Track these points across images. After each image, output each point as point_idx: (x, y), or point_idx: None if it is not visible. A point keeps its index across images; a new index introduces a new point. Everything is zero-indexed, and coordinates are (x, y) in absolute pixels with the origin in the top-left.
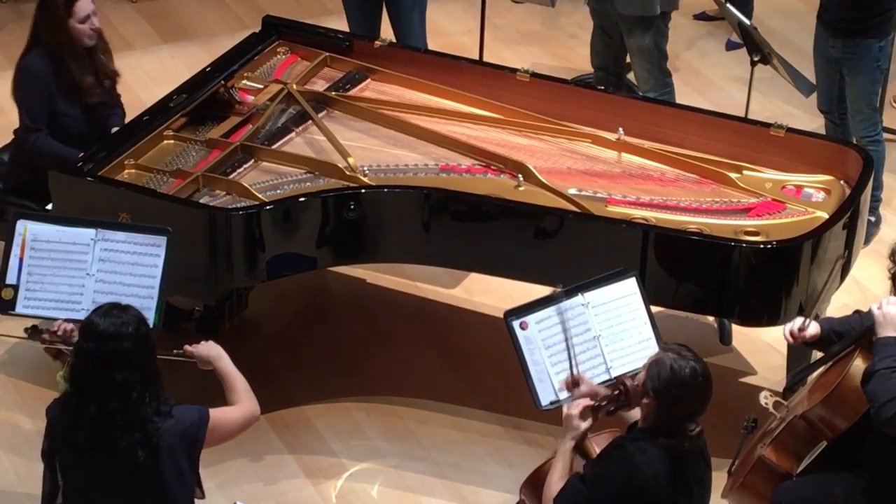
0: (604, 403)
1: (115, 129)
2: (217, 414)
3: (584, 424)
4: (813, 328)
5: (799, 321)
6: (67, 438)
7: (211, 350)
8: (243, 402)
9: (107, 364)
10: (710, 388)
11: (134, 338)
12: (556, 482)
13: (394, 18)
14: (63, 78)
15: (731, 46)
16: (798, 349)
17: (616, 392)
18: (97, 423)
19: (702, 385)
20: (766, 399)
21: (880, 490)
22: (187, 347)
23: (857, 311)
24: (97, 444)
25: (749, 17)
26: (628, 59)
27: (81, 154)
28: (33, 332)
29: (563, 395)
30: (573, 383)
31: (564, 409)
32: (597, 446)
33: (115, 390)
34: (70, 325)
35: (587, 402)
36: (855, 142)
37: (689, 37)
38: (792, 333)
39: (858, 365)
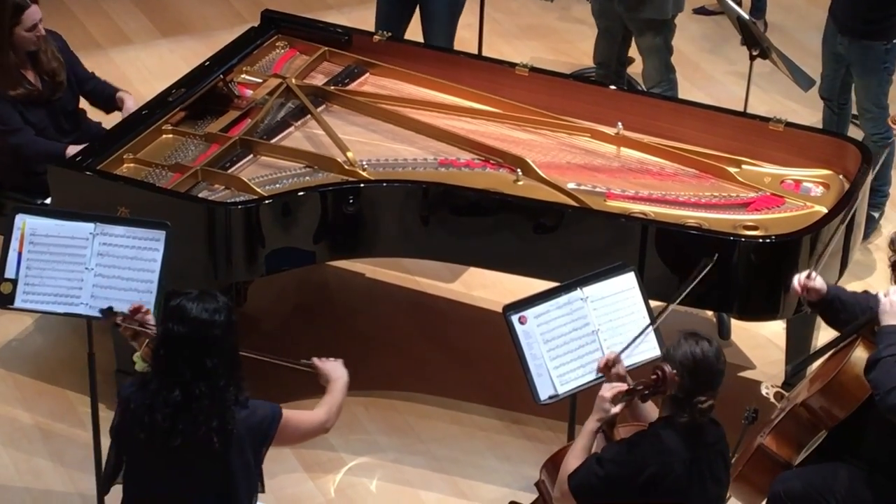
0: (639, 388)
1: (124, 107)
2: (289, 414)
3: (615, 408)
4: (819, 282)
5: (805, 272)
6: (143, 418)
7: (337, 371)
8: (322, 410)
9: (198, 349)
10: (720, 366)
11: (225, 325)
12: (574, 459)
13: (426, 23)
14: None
15: None
16: (796, 342)
17: (654, 377)
18: (181, 407)
19: (712, 359)
20: (767, 390)
21: (881, 480)
22: (316, 360)
23: (866, 291)
24: (175, 428)
25: (762, 13)
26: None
27: (70, 149)
28: (108, 313)
29: (562, 389)
30: (609, 364)
31: (602, 391)
32: (622, 436)
33: (203, 376)
34: (145, 307)
35: (622, 386)
36: (860, 137)
37: (689, 31)
38: (800, 283)
39: (859, 354)
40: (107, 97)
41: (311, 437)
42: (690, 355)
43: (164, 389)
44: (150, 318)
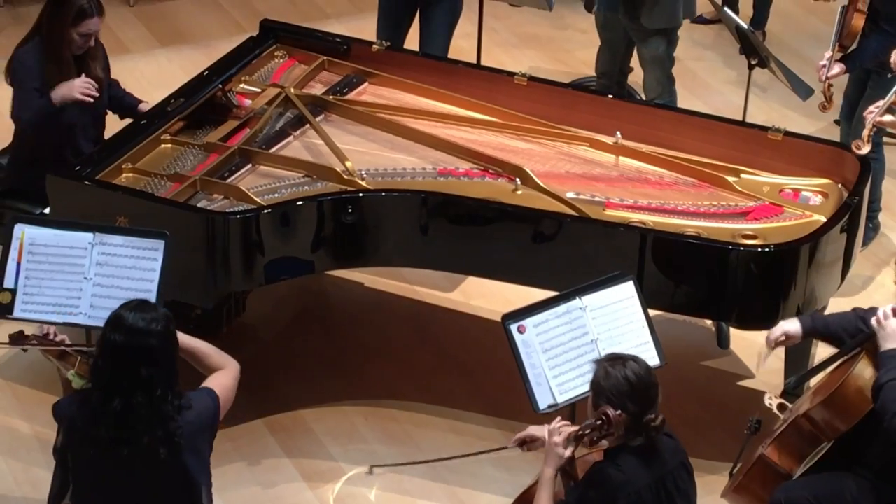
0: (587, 432)
1: (142, 106)
2: (219, 389)
3: (567, 453)
4: (793, 327)
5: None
6: (88, 433)
7: None
8: (225, 364)
9: (134, 358)
10: (653, 379)
11: (162, 336)
12: None
13: (425, 29)
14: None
15: None
16: (796, 352)
17: (599, 422)
18: (121, 417)
19: (644, 376)
20: (770, 401)
21: (887, 490)
22: None
23: (854, 309)
24: (120, 438)
25: (762, 25)
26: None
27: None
28: (18, 338)
29: (562, 398)
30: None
31: (547, 437)
32: (580, 468)
33: (140, 385)
34: (53, 328)
35: (571, 429)
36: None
37: (687, 40)
38: (770, 344)
39: (862, 367)
40: (126, 106)
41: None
42: (624, 381)
43: (105, 402)
44: (66, 338)
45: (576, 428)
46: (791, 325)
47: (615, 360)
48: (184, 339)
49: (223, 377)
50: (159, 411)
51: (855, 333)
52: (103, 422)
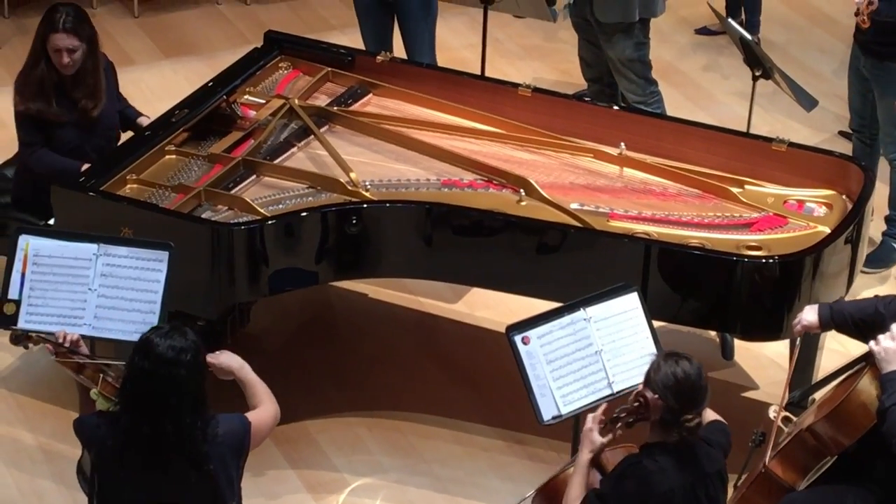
0: (623, 415)
1: (141, 119)
2: (255, 421)
3: (604, 439)
4: (809, 317)
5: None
6: (120, 456)
7: (232, 361)
8: (266, 403)
9: (163, 387)
10: (702, 382)
11: (191, 365)
12: (574, 497)
13: (404, 32)
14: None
15: None
16: (799, 363)
17: (636, 404)
18: (151, 443)
19: (694, 378)
20: (774, 413)
21: None
22: (207, 357)
23: (876, 296)
24: (151, 463)
25: (756, 28)
26: None
27: (85, 166)
28: (18, 337)
29: (566, 409)
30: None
31: (587, 423)
32: (611, 460)
33: (168, 412)
34: (76, 335)
35: (603, 416)
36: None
37: (691, 51)
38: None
39: (866, 381)
40: (125, 118)
41: (270, 432)
42: (672, 377)
43: (134, 426)
44: (84, 347)
45: (612, 412)
46: (811, 316)
47: (670, 356)
48: (249, 374)
49: (264, 413)
50: (188, 437)
51: (869, 320)
52: (133, 446)
